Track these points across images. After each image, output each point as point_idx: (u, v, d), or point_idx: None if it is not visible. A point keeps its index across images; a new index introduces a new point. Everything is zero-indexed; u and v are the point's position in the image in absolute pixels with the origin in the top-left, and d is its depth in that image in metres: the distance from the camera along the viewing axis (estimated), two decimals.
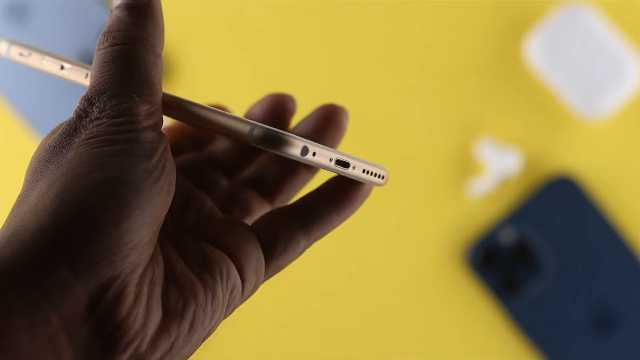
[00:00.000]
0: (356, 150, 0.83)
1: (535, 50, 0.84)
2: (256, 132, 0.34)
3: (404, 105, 0.86)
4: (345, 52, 0.87)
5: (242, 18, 0.88)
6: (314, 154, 0.35)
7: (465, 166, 0.85)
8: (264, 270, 0.38)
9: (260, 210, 0.42)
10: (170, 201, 0.35)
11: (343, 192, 0.40)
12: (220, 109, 0.43)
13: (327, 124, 0.42)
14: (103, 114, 0.35)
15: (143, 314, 0.34)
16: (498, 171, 0.84)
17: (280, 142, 0.34)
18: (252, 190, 0.42)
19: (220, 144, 0.45)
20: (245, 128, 0.35)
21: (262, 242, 0.38)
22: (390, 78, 0.86)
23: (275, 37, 0.87)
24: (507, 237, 0.84)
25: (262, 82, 0.87)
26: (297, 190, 0.43)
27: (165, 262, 0.36)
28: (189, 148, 0.44)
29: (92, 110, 0.35)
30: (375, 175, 0.38)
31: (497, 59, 0.86)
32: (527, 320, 0.84)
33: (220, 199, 0.41)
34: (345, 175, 0.37)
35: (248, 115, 0.44)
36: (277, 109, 0.43)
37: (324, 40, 0.87)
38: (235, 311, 0.94)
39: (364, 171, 0.37)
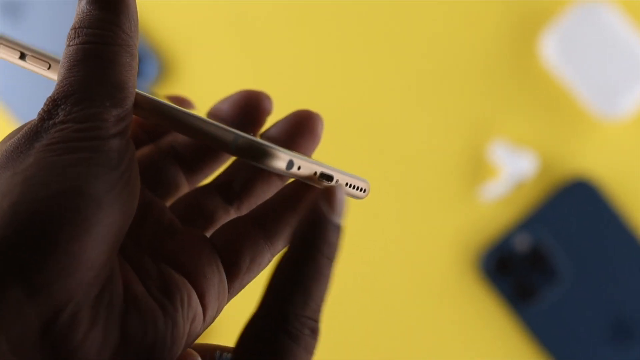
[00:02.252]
0: (364, 152, 0.83)
1: (550, 49, 0.84)
2: (240, 142, 0.33)
3: (414, 105, 0.86)
4: (352, 50, 0.86)
5: (243, 17, 0.87)
6: (299, 168, 0.34)
7: (477, 169, 0.85)
8: (226, 294, 0.36)
9: (224, 220, 0.40)
10: (133, 216, 0.33)
11: (304, 200, 0.38)
12: (188, 107, 0.41)
13: (301, 132, 0.40)
14: (68, 117, 0.33)
15: (100, 339, 0.31)
16: (512, 174, 0.84)
17: (265, 155, 0.33)
18: (217, 197, 0.40)
19: (180, 135, 0.43)
20: (227, 137, 0.33)
21: (225, 261, 0.36)
22: (400, 78, 0.86)
23: (277, 36, 0.87)
24: (522, 242, 0.84)
25: (263, 83, 0.86)
26: (265, 198, 0.41)
27: (123, 283, 0.34)
28: (145, 141, 0.42)
29: (57, 113, 0.33)
30: (357, 188, 0.37)
31: (511, 58, 0.85)
32: (541, 329, 0.83)
33: (183, 206, 0.39)
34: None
35: (214, 111, 0.41)
36: (251, 108, 0.41)
37: (329, 38, 0.87)
38: (243, 316, 0.92)
39: (346, 184, 0.36)
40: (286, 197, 0.38)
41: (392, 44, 0.86)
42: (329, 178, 0.35)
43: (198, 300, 0.35)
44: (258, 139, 0.33)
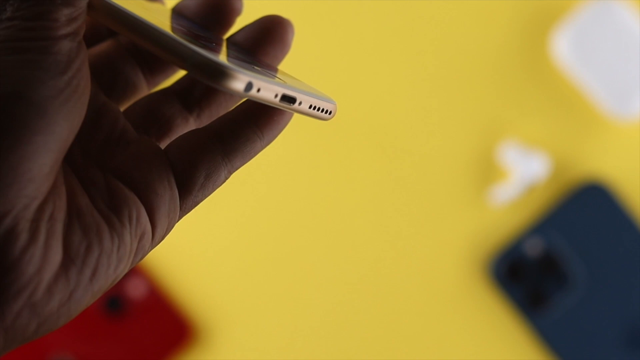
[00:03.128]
0: (371, 153, 0.84)
1: (563, 47, 0.84)
2: (196, 59, 0.32)
3: (422, 105, 0.85)
4: (359, 49, 0.86)
5: (244, 15, 0.85)
6: (258, 90, 0.33)
7: (487, 171, 0.85)
8: (177, 212, 0.36)
9: (182, 128, 0.39)
10: (79, 125, 0.33)
11: (266, 113, 0.37)
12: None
13: (270, 39, 0.39)
14: (16, 14, 0.31)
15: (40, 255, 0.31)
16: (523, 177, 0.84)
17: (222, 75, 0.32)
18: (176, 103, 0.39)
19: None
20: (183, 52, 0.32)
21: (179, 176, 0.36)
22: (407, 77, 0.85)
23: None
24: (533, 248, 0.84)
25: None
26: (227, 107, 0.40)
27: (68, 195, 0.33)
28: (103, 33, 0.40)
29: (5, 9, 0.32)
30: (322, 110, 0.36)
31: (522, 56, 0.85)
32: (555, 338, 0.83)
33: (140, 111, 0.38)
34: (288, 110, 0.35)
35: (180, 7, 0.40)
36: (219, 7, 0.40)
37: (335, 36, 0.86)
38: (247, 324, 0.91)
39: (310, 106, 0.35)
40: (248, 111, 0.37)
41: (400, 42, 0.86)
42: (291, 100, 0.34)
43: (147, 217, 0.34)
44: (214, 58, 0.32)
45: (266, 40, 0.38)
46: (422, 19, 0.85)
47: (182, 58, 0.32)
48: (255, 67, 0.34)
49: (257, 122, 0.36)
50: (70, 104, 0.31)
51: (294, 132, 0.83)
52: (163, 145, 0.38)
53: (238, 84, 0.32)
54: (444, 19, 0.85)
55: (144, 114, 0.38)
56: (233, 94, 0.33)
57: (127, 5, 0.35)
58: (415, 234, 0.85)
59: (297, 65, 0.86)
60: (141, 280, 0.83)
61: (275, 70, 0.37)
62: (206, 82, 0.32)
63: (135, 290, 0.83)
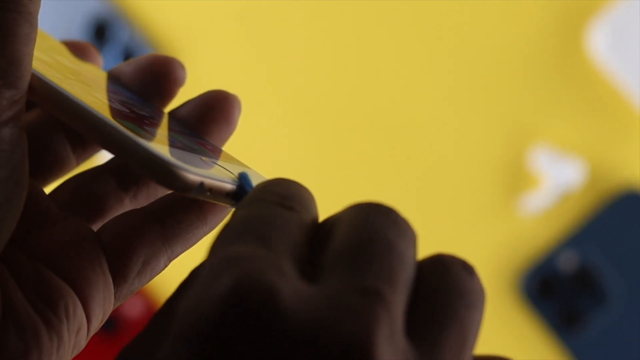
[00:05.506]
0: (389, 159, 0.83)
1: (599, 43, 0.83)
2: (144, 157, 0.31)
3: (446, 106, 0.85)
4: (376, 42, 0.85)
5: (249, 8, 0.86)
6: (209, 192, 0.32)
7: (517, 179, 0.84)
8: (112, 301, 0.34)
9: (116, 209, 0.37)
10: (17, 220, 0.31)
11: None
12: (93, 60, 0.39)
13: (213, 116, 0.37)
14: None
15: None
16: (556, 184, 0.83)
17: (172, 178, 0.31)
18: (110, 181, 0.37)
19: None
20: (129, 147, 0.31)
21: (113, 262, 0.34)
22: (430, 76, 0.85)
23: (290, 28, 0.86)
24: (567, 261, 0.83)
25: (273, 81, 0.86)
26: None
27: (2, 292, 0.31)
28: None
29: None
30: None
31: (555, 53, 0.85)
32: (589, 359, 0.82)
33: (69, 191, 0.36)
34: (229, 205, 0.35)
35: (117, 73, 0.38)
36: (159, 75, 0.38)
37: (347, 32, 0.85)
38: None
39: None
40: None
41: (416, 35, 0.85)
42: (240, 196, 0.34)
43: (82, 309, 0.33)
44: (166, 157, 0.31)
45: (210, 117, 0.37)
46: (447, 12, 0.85)
47: (128, 152, 0.31)
48: (202, 158, 0.34)
49: (201, 205, 0.35)
50: (10, 203, 0.30)
51: (312, 140, 0.82)
52: (95, 228, 0.36)
53: (190, 184, 0.31)
54: (472, 14, 0.85)
55: (73, 194, 0.36)
56: (182, 194, 0.32)
57: (65, 82, 0.33)
58: (439, 245, 0.83)
59: (307, 61, 0.84)
60: (137, 298, 0.82)
61: (219, 152, 0.36)
62: (154, 181, 0.31)
63: (132, 309, 0.82)
